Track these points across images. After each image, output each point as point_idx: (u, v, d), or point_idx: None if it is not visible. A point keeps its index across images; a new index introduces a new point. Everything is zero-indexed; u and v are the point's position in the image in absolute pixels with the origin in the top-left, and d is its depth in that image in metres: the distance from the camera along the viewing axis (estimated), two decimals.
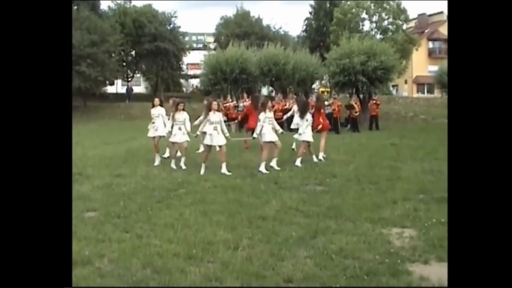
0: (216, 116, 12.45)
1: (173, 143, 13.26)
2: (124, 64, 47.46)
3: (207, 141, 12.40)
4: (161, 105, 14.23)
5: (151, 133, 14.11)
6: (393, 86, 56.25)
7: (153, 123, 13.94)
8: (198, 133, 13.20)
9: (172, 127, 13.15)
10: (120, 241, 6.60)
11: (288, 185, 10.36)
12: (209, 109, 12.61)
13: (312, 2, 51.99)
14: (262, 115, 12.74)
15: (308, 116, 13.73)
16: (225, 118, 15.92)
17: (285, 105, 25.13)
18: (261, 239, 6.58)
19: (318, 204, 8.59)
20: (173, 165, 12.97)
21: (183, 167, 12.78)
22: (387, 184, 10.23)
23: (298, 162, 13.16)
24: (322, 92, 39.55)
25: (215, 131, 12.27)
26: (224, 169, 11.99)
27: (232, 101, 26.43)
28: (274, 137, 12.64)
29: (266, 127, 12.58)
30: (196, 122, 13.67)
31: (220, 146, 12.28)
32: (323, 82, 41.41)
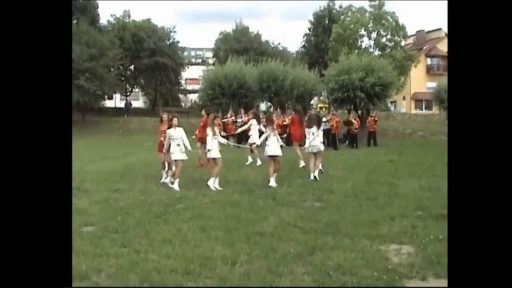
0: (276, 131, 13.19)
1: (213, 159, 12.69)
2: (123, 78, 47.62)
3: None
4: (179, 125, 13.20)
5: (178, 156, 12.48)
6: (391, 102, 56.35)
7: (178, 145, 12.48)
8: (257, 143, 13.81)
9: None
10: (118, 256, 6.58)
11: (286, 201, 10.35)
12: (272, 121, 13.40)
13: (311, 18, 52.37)
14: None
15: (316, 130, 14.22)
16: (224, 134, 16.06)
17: (284, 120, 25.22)
18: (259, 255, 6.57)
19: (316, 220, 8.58)
20: (216, 185, 12.20)
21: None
22: (385, 201, 10.23)
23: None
24: (321, 108, 39.65)
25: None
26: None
27: (230, 117, 26.44)
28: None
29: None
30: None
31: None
32: (321, 98, 41.52)
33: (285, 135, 20.62)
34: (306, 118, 15.40)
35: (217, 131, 12.81)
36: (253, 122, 17.43)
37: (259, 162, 16.07)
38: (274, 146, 12.82)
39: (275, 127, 13.32)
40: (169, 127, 12.64)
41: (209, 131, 12.75)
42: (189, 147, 12.74)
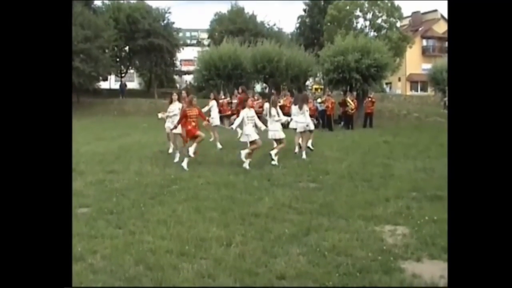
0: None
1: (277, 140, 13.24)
2: (118, 60, 47.28)
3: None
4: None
5: (254, 136, 12.54)
6: (387, 84, 56.34)
7: (254, 126, 12.59)
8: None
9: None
10: (113, 237, 6.59)
11: (281, 182, 10.35)
12: (307, 100, 15.02)
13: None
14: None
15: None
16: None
17: (279, 101, 25.16)
18: (254, 236, 6.58)
19: (311, 201, 8.59)
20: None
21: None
22: (380, 182, 10.25)
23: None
24: (316, 89, 39.55)
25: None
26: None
27: (226, 98, 26.38)
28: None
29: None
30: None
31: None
32: (316, 79, 41.42)
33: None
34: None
35: (280, 112, 13.51)
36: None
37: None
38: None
39: (308, 106, 14.85)
40: (244, 107, 13.24)
41: (273, 111, 13.29)
42: (263, 127, 13.02)
